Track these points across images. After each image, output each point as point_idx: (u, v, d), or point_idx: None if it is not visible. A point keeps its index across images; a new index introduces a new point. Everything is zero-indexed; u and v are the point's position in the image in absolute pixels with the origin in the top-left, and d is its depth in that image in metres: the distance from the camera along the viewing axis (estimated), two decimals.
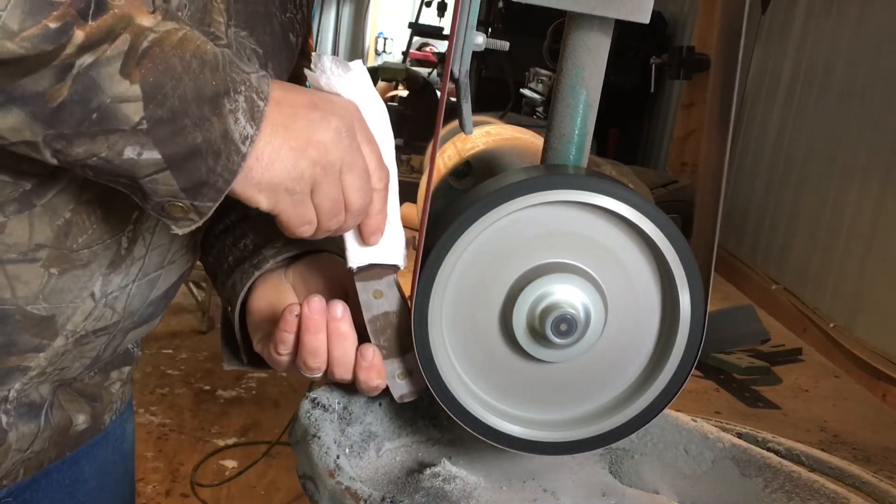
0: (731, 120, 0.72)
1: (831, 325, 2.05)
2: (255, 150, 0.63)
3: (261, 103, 0.63)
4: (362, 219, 0.72)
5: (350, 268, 0.75)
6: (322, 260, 0.83)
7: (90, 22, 0.56)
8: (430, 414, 0.84)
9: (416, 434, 0.84)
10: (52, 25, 0.55)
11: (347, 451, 0.78)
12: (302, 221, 0.68)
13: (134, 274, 0.81)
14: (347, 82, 0.71)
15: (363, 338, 0.76)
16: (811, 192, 2.38)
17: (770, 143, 2.69)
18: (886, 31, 2.11)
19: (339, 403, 0.80)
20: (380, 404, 0.83)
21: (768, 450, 0.87)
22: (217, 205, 0.64)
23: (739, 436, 0.90)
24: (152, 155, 0.60)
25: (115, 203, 0.75)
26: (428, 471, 0.75)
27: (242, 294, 0.81)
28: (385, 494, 0.70)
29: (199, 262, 0.93)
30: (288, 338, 0.74)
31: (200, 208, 0.64)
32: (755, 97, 2.84)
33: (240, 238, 0.85)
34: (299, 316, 0.72)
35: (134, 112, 0.59)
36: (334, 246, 0.83)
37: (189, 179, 0.62)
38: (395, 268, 0.76)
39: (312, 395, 0.81)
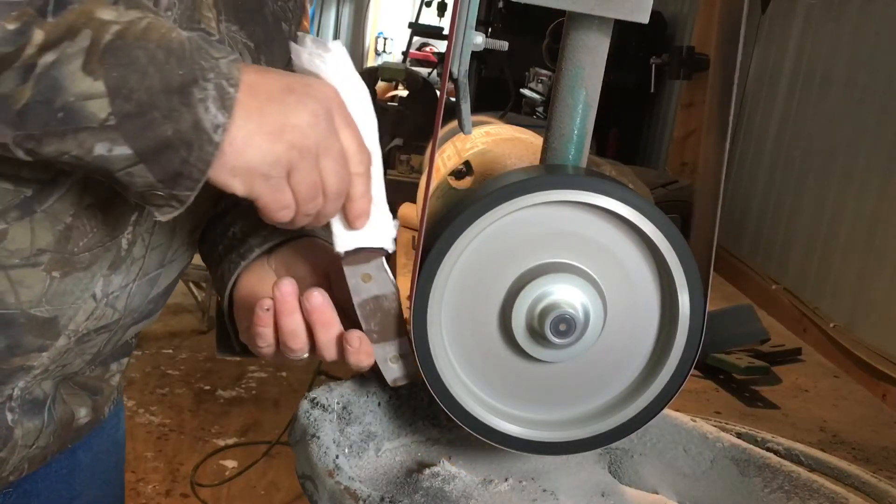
0: (730, 120, 0.72)
1: (831, 325, 2.05)
2: (227, 137, 0.62)
3: (231, 90, 0.62)
4: (343, 202, 0.71)
5: (338, 252, 0.74)
6: (304, 244, 0.82)
7: (49, 20, 0.56)
8: (430, 414, 0.84)
9: (416, 434, 0.84)
10: (11, 27, 0.54)
11: (347, 450, 0.78)
12: (279, 206, 0.67)
13: (134, 273, 0.81)
14: (327, 64, 0.70)
15: (355, 320, 0.75)
16: (811, 192, 2.38)
17: (770, 143, 2.69)
18: (886, 31, 2.11)
19: (338, 403, 0.80)
20: (379, 404, 0.83)
21: (767, 449, 0.87)
22: (196, 192, 0.64)
23: (739, 436, 0.90)
24: (123, 150, 0.60)
25: (115, 206, 0.75)
26: (427, 471, 0.75)
27: (230, 285, 0.81)
28: (384, 494, 0.70)
29: (199, 262, 0.93)
30: (265, 332, 0.74)
31: (179, 196, 0.63)
32: (755, 97, 2.84)
33: (229, 226, 0.85)
34: (270, 309, 0.72)
35: (100, 109, 0.58)
36: (320, 230, 0.82)
37: (164, 171, 0.61)
38: (382, 251, 0.74)
39: (312, 395, 0.81)
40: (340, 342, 0.74)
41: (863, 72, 2.20)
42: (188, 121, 0.60)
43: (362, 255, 0.74)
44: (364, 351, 0.74)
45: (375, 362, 0.76)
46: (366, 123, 0.72)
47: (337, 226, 0.73)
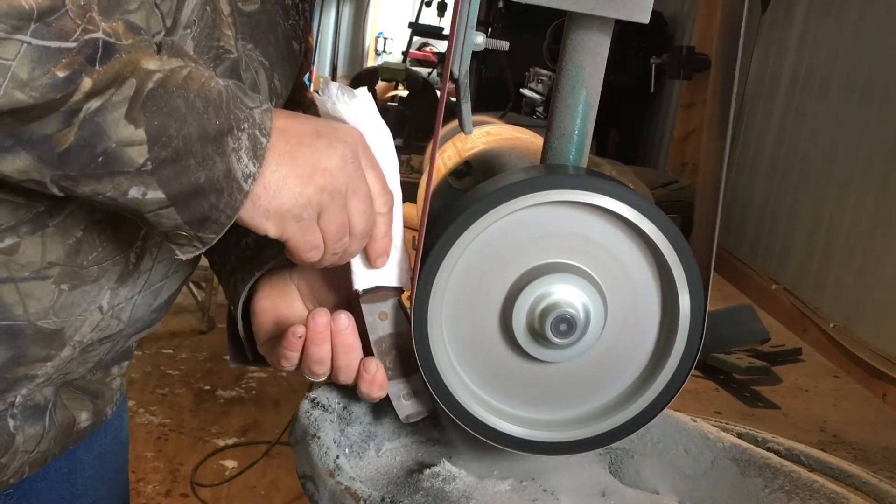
0: (730, 120, 0.72)
1: (831, 325, 2.05)
2: (260, 180, 0.64)
3: (263, 140, 0.64)
4: (367, 242, 0.73)
5: (356, 290, 0.76)
6: None
7: (97, 68, 0.57)
8: (431, 414, 0.84)
9: (416, 434, 0.84)
10: (61, 74, 0.55)
11: (347, 451, 0.78)
12: (310, 247, 0.69)
13: (140, 286, 0.82)
14: (352, 109, 0.72)
15: (365, 347, 0.77)
16: (811, 192, 2.38)
17: (770, 143, 2.69)
18: (886, 32, 2.12)
19: (339, 403, 0.81)
20: (380, 404, 0.83)
21: (768, 450, 0.87)
22: (220, 236, 0.65)
23: (739, 436, 0.90)
24: (156, 195, 0.61)
25: (125, 221, 0.76)
26: (428, 471, 0.75)
27: (244, 294, 0.82)
28: (385, 494, 0.70)
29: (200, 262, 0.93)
30: (293, 356, 0.75)
31: (203, 238, 0.65)
32: (755, 97, 2.84)
33: (241, 236, 0.86)
34: (302, 336, 0.74)
35: (138, 155, 0.60)
36: None
37: (192, 215, 0.63)
38: (399, 290, 0.76)
39: (312, 395, 0.81)
40: (358, 370, 0.76)
41: (863, 72, 2.20)
42: (221, 169, 0.62)
43: (380, 293, 0.76)
44: (378, 381, 0.76)
45: (387, 396, 0.78)
46: (389, 166, 0.74)
47: (357, 264, 0.75)
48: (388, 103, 4.18)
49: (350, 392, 0.82)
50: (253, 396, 3.60)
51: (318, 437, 0.74)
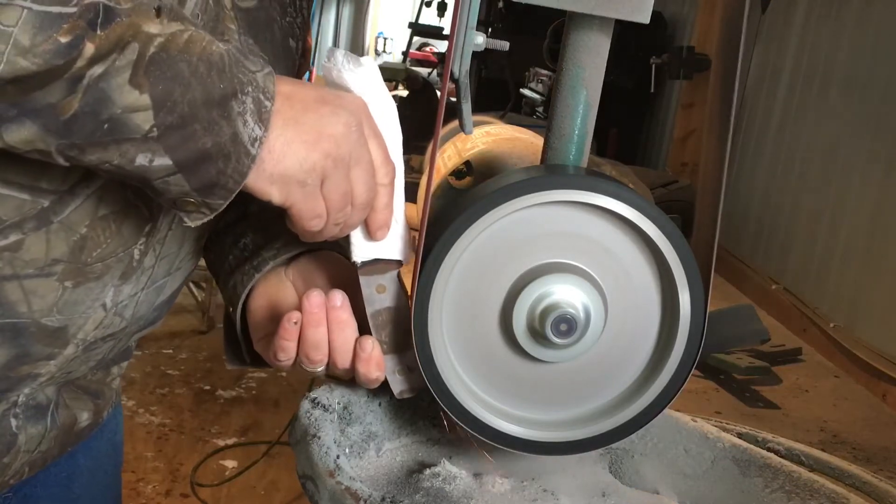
0: (731, 120, 0.72)
1: (831, 325, 2.05)
2: (265, 145, 0.64)
3: (268, 103, 0.63)
4: (367, 213, 0.72)
5: (354, 262, 0.75)
6: (321, 257, 0.83)
7: (99, 32, 0.56)
8: (430, 414, 0.84)
9: (416, 434, 0.84)
10: (63, 40, 0.55)
11: (347, 451, 0.78)
12: (313, 214, 0.69)
13: (143, 283, 0.81)
14: (357, 77, 0.72)
15: (364, 330, 0.76)
16: (811, 192, 2.38)
17: (770, 143, 2.69)
18: (886, 32, 2.11)
19: (339, 403, 0.80)
20: (380, 404, 0.83)
21: (768, 450, 0.87)
22: (228, 202, 0.65)
23: (739, 436, 0.90)
24: (163, 161, 0.61)
25: (129, 218, 0.76)
26: (428, 471, 0.75)
27: (244, 296, 0.81)
28: (385, 494, 0.70)
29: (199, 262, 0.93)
30: (290, 346, 0.74)
31: (212, 205, 0.65)
32: (755, 97, 2.84)
33: (239, 237, 0.85)
34: (298, 322, 0.73)
35: (144, 121, 0.59)
36: (333, 244, 0.83)
37: (200, 181, 0.63)
38: (398, 263, 0.76)
39: (312, 394, 0.81)
40: (354, 349, 0.75)
41: (863, 72, 2.20)
42: (227, 133, 0.62)
43: (379, 265, 0.75)
44: (375, 359, 0.75)
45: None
46: (392, 137, 0.74)
47: (356, 235, 0.75)
48: None
49: (350, 392, 0.82)
50: (253, 396, 3.60)
51: (319, 437, 0.74)
